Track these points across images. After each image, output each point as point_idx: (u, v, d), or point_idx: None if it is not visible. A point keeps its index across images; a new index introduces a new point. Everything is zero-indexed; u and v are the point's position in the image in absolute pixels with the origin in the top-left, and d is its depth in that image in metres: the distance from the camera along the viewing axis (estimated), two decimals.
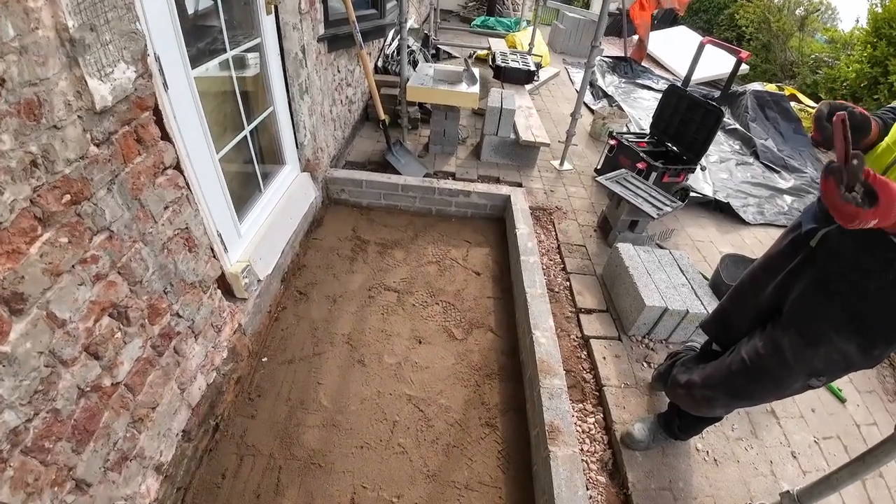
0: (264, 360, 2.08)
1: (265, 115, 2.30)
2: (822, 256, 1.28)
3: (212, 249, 1.68)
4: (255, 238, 2.13)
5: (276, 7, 2.22)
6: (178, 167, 1.41)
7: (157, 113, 1.30)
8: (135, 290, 1.24)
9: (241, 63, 2.15)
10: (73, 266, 1.02)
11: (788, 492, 1.36)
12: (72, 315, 1.03)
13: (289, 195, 2.50)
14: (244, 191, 2.23)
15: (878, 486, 2.04)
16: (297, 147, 2.65)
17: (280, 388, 1.98)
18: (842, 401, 2.40)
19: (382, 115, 3.21)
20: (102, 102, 1.05)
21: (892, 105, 1.33)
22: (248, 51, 2.13)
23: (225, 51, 1.88)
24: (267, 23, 2.18)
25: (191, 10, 1.76)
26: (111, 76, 1.08)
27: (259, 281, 2.05)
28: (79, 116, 1.00)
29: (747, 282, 1.59)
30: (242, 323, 1.92)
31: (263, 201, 2.30)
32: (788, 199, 4.21)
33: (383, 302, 2.43)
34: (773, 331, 1.39)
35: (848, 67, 6.31)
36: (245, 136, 2.11)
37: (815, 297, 1.29)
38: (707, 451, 1.99)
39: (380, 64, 4.53)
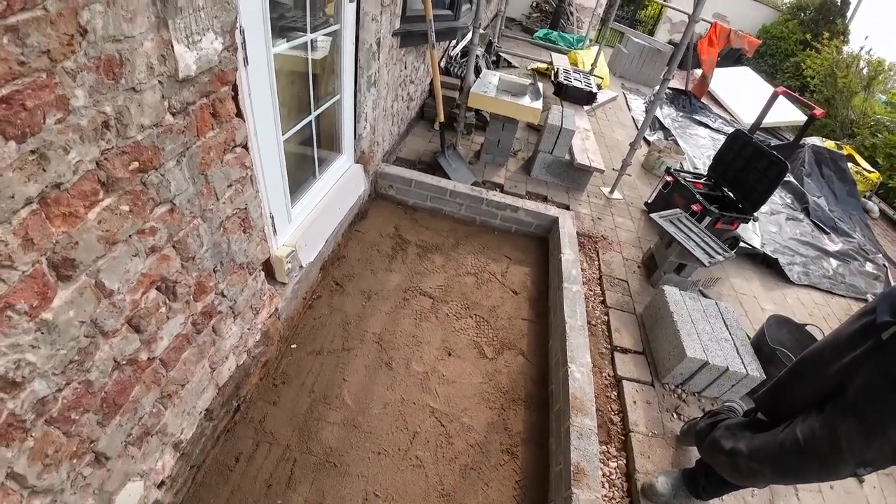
0: (293, 346, 2.00)
1: (332, 101, 2.22)
2: (892, 350, 1.23)
3: (263, 231, 1.61)
4: (304, 224, 2.05)
5: None
6: (246, 146, 1.33)
7: (234, 88, 1.23)
8: (186, 267, 1.17)
9: (314, 46, 2.08)
10: (129, 236, 0.95)
11: None
12: (120, 286, 0.96)
13: (340, 185, 2.42)
14: (300, 175, 2.15)
15: None
16: (355, 138, 2.57)
17: (305, 378, 1.90)
18: (860, 481, 2.24)
19: (442, 118, 3.10)
20: (186, 71, 0.97)
21: None
22: (329, 35, 2.06)
23: (305, 32, 1.80)
24: (349, 10, 2.10)
25: None
26: (199, 44, 1.00)
27: (301, 267, 1.97)
28: (159, 82, 0.92)
29: (810, 359, 1.50)
30: (279, 307, 1.85)
31: (317, 188, 2.23)
32: (834, 262, 3.96)
33: (417, 306, 2.32)
34: (832, 414, 1.33)
35: None
36: (310, 122, 2.03)
37: (879, 388, 1.25)
38: None
39: (442, 65, 4.43)
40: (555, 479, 1.73)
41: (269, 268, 1.81)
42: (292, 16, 1.80)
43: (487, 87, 3.32)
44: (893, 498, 2.23)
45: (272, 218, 1.72)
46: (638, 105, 6.42)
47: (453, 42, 4.58)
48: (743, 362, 2.15)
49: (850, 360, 1.33)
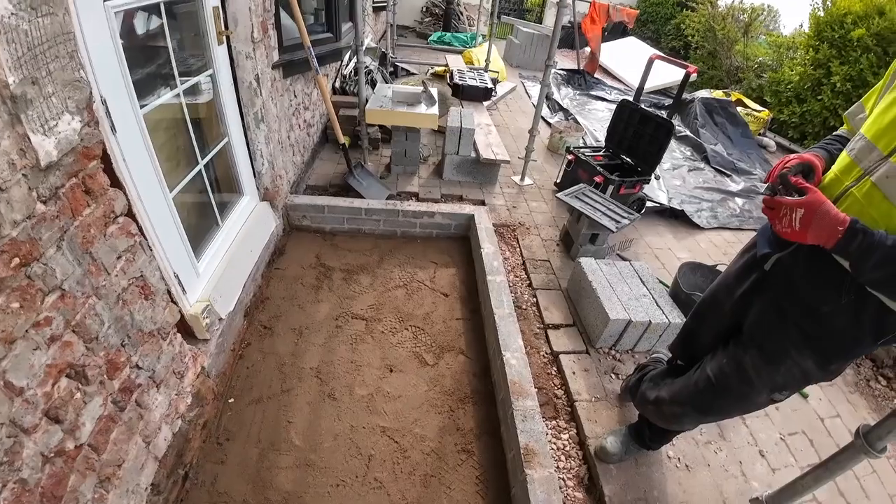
0: (231, 401, 2.03)
1: (219, 146, 2.27)
2: (775, 280, 1.33)
3: (169, 293, 1.65)
4: (215, 275, 2.09)
5: (228, 37, 2.21)
6: (129, 213, 1.38)
7: (106, 159, 1.28)
8: (91, 348, 1.20)
9: (193, 90, 2.13)
10: (26, 331, 0.99)
11: (758, 498, 1.42)
12: (29, 381, 1.00)
13: (248, 227, 2.46)
14: (201, 226, 2.18)
15: (847, 477, 2.15)
16: (254, 176, 2.62)
17: (249, 429, 1.94)
18: (804, 396, 2.52)
19: (343, 139, 3.22)
20: (47, 158, 1.03)
21: (835, 133, 1.39)
22: (203, 81, 2.11)
23: (176, 85, 1.85)
24: (219, 53, 2.17)
25: (138, 45, 1.74)
26: (55, 129, 1.06)
27: (221, 319, 2.01)
28: (24, 175, 0.97)
29: (707, 301, 1.64)
30: (206, 365, 1.88)
31: (222, 236, 2.26)
32: (740, 201, 4.44)
33: (351, 331, 2.42)
34: (736, 349, 1.45)
35: (791, 70, 6.69)
36: (200, 170, 2.08)
37: (771, 317, 1.35)
38: (678, 458, 2.06)
39: (337, 84, 4.54)
40: (511, 466, 1.87)
41: (186, 328, 1.84)
42: (164, 69, 1.84)
43: (382, 100, 3.47)
44: (842, 406, 2.50)
45: (177, 277, 1.76)
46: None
47: (344, 61, 4.70)
48: (664, 313, 2.42)
49: (740, 297, 1.44)
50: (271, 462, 1.83)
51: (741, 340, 1.44)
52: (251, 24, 2.30)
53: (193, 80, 2.01)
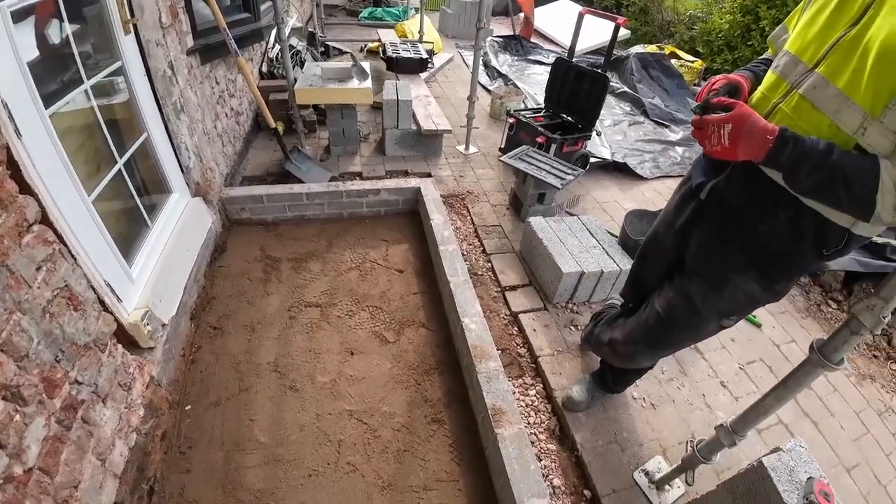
0: (188, 407, 1.99)
1: (138, 143, 2.17)
2: (712, 207, 1.36)
3: (102, 303, 1.58)
4: (152, 279, 2.01)
5: (134, 25, 2.09)
6: (45, 221, 1.31)
7: (13, 164, 1.21)
8: (23, 366, 1.15)
9: (107, 90, 2.02)
10: None
11: (722, 424, 1.50)
12: None
13: (182, 225, 2.37)
14: (129, 229, 2.09)
15: (809, 398, 2.34)
16: (182, 171, 2.52)
17: (211, 434, 1.90)
18: (758, 326, 2.70)
19: (273, 124, 3.12)
20: None
21: (761, 57, 1.41)
22: (112, 75, 1.99)
23: (83, 81, 1.75)
24: (127, 43, 2.05)
25: (40, 44, 1.62)
26: None
27: (164, 325, 1.95)
28: None
29: (650, 240, 1.70)
30: (154, 374, 1.82)
31: (153, 238, 2.17)
32: (680, 150, 4.63)
33: (306, 320, 2.39)
34: (680, 281, 1.50)
35: (721, 19, 6.93)
36: (120, 170, 1.98)
37: (711, 244, 1.38)
38: (643, 398, 2.18)
39: (264, 69, 4.38)
40: (482, 428, 1.93)
41: (127, 337, 1.78)
42: (70, 67, 1.73)
43: (311, 79, 3.38)
44: (795, 331, 2.69)
45: (109, 285, 1.68)
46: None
47: (269, 44, 4.53)
48: (615, 261, 2.52)
49: (680, 229, 1.49)
50: (238, 463, 1.81)
51: (685, 271, 1.50)
52: (158, 9, 2.19)
53: (101, 74, 1.90)
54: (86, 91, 1.78)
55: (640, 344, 1.68)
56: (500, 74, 6.01)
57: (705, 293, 1.42)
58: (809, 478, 1.38)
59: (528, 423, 2.06)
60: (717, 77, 1.26)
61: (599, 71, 3.39)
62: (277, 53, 4.43)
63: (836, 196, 1.01)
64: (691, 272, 1.47)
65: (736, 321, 1.47)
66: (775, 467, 1.41)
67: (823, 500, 1.32)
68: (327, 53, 6.05)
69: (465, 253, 2.88)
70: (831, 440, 2.16)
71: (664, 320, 1.55)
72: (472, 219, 3.19)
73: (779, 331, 2.70)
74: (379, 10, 8.37)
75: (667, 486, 1.84)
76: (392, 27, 7.09)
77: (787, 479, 1.39)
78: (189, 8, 2.67)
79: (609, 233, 2.76)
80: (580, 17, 3.80)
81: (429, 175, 3.61)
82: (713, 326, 1.49)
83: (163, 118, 2.35)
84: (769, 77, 1.22)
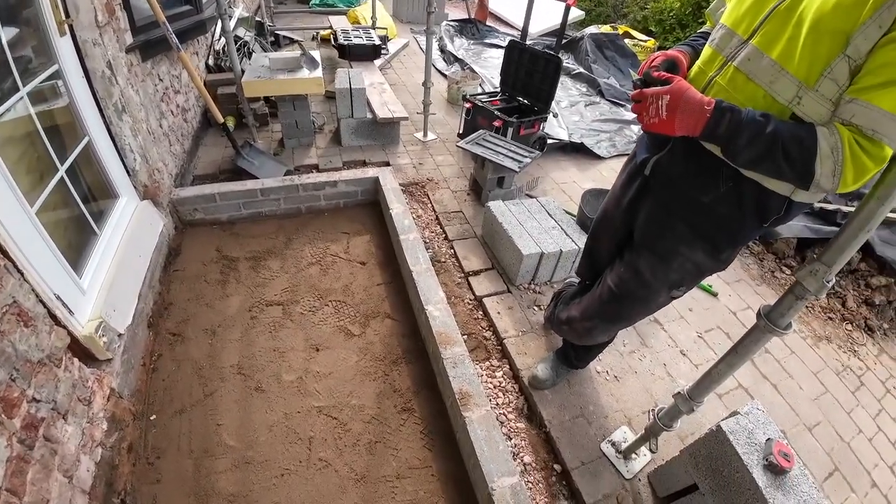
0: (152, 417, 1.92)
1: (80, 148, 2.06)
2: (656, 181, 1.38)
3: (53, 317, 1.51)
4: (104, 289, 1.92)
5: (70, 26, 1.97)
6: None
7: None
8: None
9: (49, 93, 1.92)
10: None
11: (679, 392, 1.55)
12: None
13: (132, 230, 2.27)
14: (77, 239, 1.99)
15: (767, 361, 2.43)
16: (128, 174, 2.40)
17: (178, 442, 1.84)
18: (714, 295, 2.80)
19: (221, 119, 3.01)
20: None
21: (699, 31, 1.42)
22: (49, 79, 1.88)
23: (18, 89, 1.64)
24: (63, 45, 1.94)
25: None
26: None
27: (120, 335, 1.87)
28: None
29: (600, 218, 1.73)
30: (115, 386, 1.75)
31: (102, 245, 2.07)
32: (635, 128, 4.71)
33: (268, 319, 2.34)
34: (630, 255, 1.54)
35: None
36: (63, 178, 1.88)
37: (657, 217, 1.41)
38: (607, 371, 2.24)
39: (211, 62, 4.21)
40: (451, 412, 1.94)
41: (83, 350, 1.70)
42: (4, 75, 1.61)
43: (259, 71, 3.27)
44: (751, 298, 2.79)
45: (59, 298, 1.60)
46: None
47: (216, 36, 4.36)
48: (573, 241, 2.56)
49: (627, 205, 1.52)
50: (209, 469, 1.76)
51: (634, 247, 1.54)
52: (94, 8, 2.07)
53: (38, 80, 1.79)
54: (23, 98, 1.68)
55: (595, 319, 1.72)
56: (457, 59, 5.97)
57: (654, 265, 1.46)
58: (768, 439, 1.44)
59: (497, 405, 2.09)
60: (657, 53, 1.27)
61: (552, 53, 3.40)
62: (224, 45, 4.27)
63: (776, 166, 1.02)
64: (640, 246, 1.51)
65: (685, 291, 1.51)
66: (734, 430, 1.47)
67: (783, 459, 1.38)
68: (277, 43, 5.88)
69: (428, 241, 2.87)
70: (791, 401, 2.26)
71: (617, 295, 1.59)
72: (433, 206, 3.17)
73: (735, 298, 2.80)
74: None
75: (633, 455, 1.90)
76: (344, 14, 6.92)
77: (747, 441, 1.44)
78: (126, 3, 2.53)
79: (567, 212, 2.80)
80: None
81: (387, 164, 3.56)
82: (664, 298, 1.53)
83: (104, 120, 2.23)
84: (706, 51, 1.24)
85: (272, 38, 5.71)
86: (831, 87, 0.96)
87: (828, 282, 1.05)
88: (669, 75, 1.11)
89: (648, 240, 1.47)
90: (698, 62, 1.26)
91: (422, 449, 1.89)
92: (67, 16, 1.97)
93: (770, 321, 1.18)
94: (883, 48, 0.88)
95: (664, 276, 1.45)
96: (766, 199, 1.17)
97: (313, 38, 6.42)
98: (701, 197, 1.26)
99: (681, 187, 1.31)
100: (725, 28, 1.16)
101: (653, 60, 1.25)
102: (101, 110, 2.21)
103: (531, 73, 3.58)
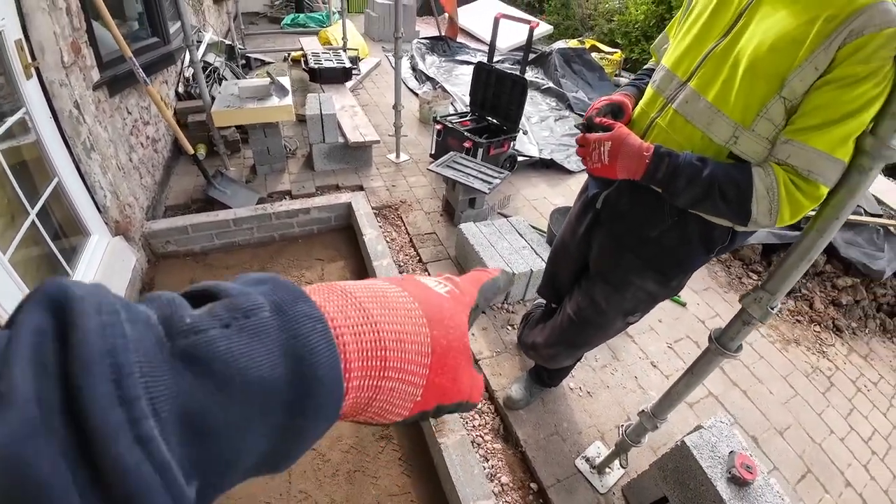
0: None
1: (49, 189, 2.06)
2: (606, 215, 1.43)
3: None
4: None
5: (36, 69, 1.98)
6: None
7: None
8: None
9: (13, 135, 1.93)
10: None
11: (644, 410, 1.60)
12: None
13: (105, 268, 2.27)
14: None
15: (737, 368, 2.50)
16: (99, 211, 2.40)
17: None
18: (682, 305, 2.88)
19: (191, 150, 3.01)
20: None
21: (645, 68, 1.47)
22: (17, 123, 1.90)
23: None
24: (29, 88, 1.95)
25: None
26: None
27: None
28: None
29: (558, 245, 1.77)
30: None
31: None
32: None
33: None
34: (586, 284, 1.59)
35: (637, 10, 7.28)
36: (33, 221, 1.88)
37: (609, 249, 1.46)
38: (580, 388, 2.28)
39: (181, 90, 4.21)
40: (428, 438, 1.96)
41: None
42: None
43: (229, 100, 3.28)
44: (719, 305, 2.88)
45: None
46: (403, 64, 6.82)
47: (185, 63, 4.36)
48: (542, 259, 2.61)
49: (582, 236, 1.56)
50: None
51: (589, 277, 1.59)
52: (59, 49, 2.08)
53: (6, 126, 1.81)
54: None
55: (558, 346, 1.77)
56: (428, 77, 6.05)
57: (609, 295, 1.50)
58: (731, 452, 1.51)
59: (474, 426, 2.11)
60: (602, 98, 1.33)
61: (518, 74, 3.49)
62: (193, 73, 4.27)
63: (715, 206, 1.08)
64: (595, 276, 1.56)
65: (640, 317, 1.57)
66: (697, 445, 1.53)
67: (745, 472, 1.44)
68: (249, 66, 5.88)
69: (402, 264, 2.90)
70: (762, 405, 2.33)
71: (576, 323, 1.63)
72: (406, 228, 3.21)
73: (703, 307, 2.89)
74: (302, 16, 8.19)
75: (607, 469, 1.94)
76: (316, 34, 6.97)
77: (710, 454, 1.50)
78: (92, 40, 2.53)
79: (536, 229, 2.86)
80: (496, 21, 3.89)
81: (360, 188, 3.59)
82: (620, 324, 1.59)
83: (73, 159, 2.24)
84: (648, 91, 1.30)
85: (244, 61, 5.72)
86: (768, 127, 1.01)
87: (772, 308, 1.09)
88: (611, 122, 1.17)
89: (602, 271, 1.52)
90: (640, 103, 1.32)
91: (401, 476, 1.91)
92: (34, 59, 1.98)
93: (721, 345, 1.23)
94: (818, 90, 0.92)
95: (618, 304, 1.50)
96: (710, 231, 1.22)
97: (285, 60, 6.45)
98: (648, 231, 1.31)
99: (629, 222, 1.36)
100: (665, 69, 1.21)
101: (596, 105, 1.30)
102: (69, 150, 2.22)
103: (499, 95, 3.66)
